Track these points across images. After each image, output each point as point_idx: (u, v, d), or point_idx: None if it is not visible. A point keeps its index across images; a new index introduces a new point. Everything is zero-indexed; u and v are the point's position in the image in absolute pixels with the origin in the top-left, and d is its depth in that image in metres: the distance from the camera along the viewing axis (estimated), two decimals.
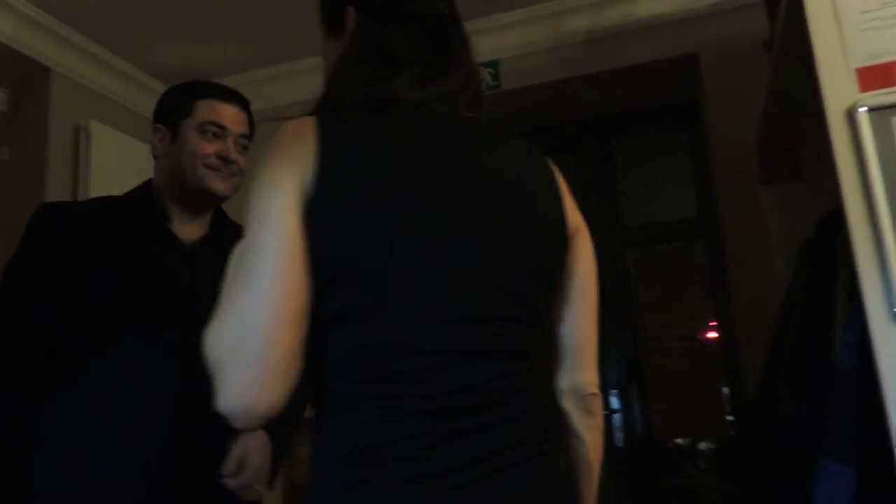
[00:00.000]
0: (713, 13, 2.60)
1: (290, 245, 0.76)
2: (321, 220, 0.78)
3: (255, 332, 0.73)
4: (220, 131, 1.43)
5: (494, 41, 2.80)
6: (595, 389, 1.01)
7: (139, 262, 1.34)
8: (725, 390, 2.85)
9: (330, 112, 0.86)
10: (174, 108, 1.44)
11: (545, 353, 0.98)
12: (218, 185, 1.42)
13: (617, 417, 2.86)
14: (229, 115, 1.45)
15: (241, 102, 1.49)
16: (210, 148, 1.41)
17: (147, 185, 1.47)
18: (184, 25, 2.66)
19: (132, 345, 1.28)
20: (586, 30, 2.73)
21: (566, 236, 0.96)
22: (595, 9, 2.71)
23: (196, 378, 1.22)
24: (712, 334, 3.00)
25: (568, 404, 0.98)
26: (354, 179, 0.80)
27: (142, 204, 1.43)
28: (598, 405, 1.00)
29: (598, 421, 0.99)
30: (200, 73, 2.48)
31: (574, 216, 0.99)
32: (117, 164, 2.63)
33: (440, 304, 0.80)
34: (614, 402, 2.88)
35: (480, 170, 0.89)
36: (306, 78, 2.89)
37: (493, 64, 2.83)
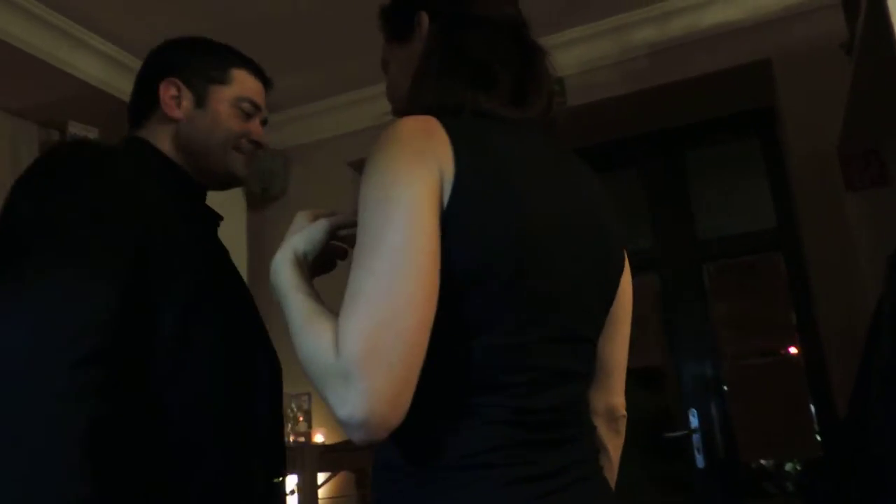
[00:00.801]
0: (785, 17, 2.53)
1: (434, 246, 0.73)
2: (458, 224, 0.76)
3: (401, 335, 0.68)
4: (253, 111, 1.26)
5: (559, 58, 2.75)
6: (624, 411, 1.03)
7: (203, 242, 1.19)
8: (812, 408, 2.73)
9: (443, 115, 0.82)
10: (204, 68, 1.23)
11: None
12: (243, 171, 1.26)
13: (697, 437, 2.77)
14: (262, 93, 1.30)
15: (269, 83, 1.33)
16: (243, 127, 1.24)
17: (154, 150, 1.20)
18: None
19: (231, 330, 1.13)
20: (651, 42, 2.70)
21: (624, 259, 0.99)
22: (660, 21, 2.68)
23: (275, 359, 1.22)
24: (795, 349, 2.88)
25: (600, 424, 0.99)
26: (489, 186, 0.79)
27: (177, 175, 1.21)
28: (624, 427, 1.03)
29: (622, 441, 1.03)
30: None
31: None
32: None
33: (547, 322, 0.82)
34: (693, 421, 2.79)
35: (576, 191, 0.91)
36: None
37: (558, 81, 2.80)
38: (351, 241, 0.89)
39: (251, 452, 1.12)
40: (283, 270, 0.84)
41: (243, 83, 1.25)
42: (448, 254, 0.74)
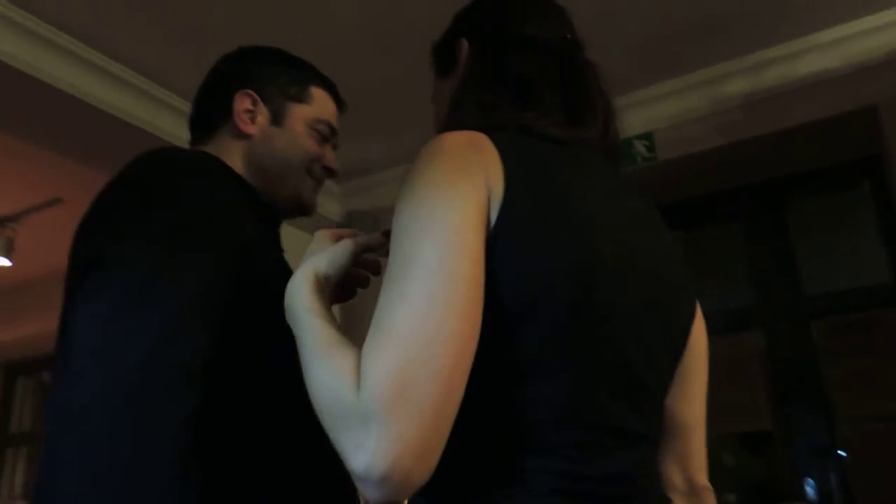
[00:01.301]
0: (891, 62, 2.42)
1: (478, 272, 0.63)
2: (507, 249, 0.66)
3: (436, 375, 0.57)
4: (329, 134, 1.15)
5: (648, 113, 2.77)
6: (708, 483, 0.89)
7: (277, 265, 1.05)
8: None
9: (491, 130, 0.74)
10: (283, 83, 1.12)
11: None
12: (313, 198, 1.15)
13: None
14: (337, 116, 1.18)
15: (344, 106, 1.21)
16: (318, 151, 1.13)
17: (228, 169, 1.06)
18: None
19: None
20: (745, 93, 2.64)
21: (695, 304, 0.89)
22: (752, 72, 2.62)
23: None
24: None
25: (678, 500, 0.86)
26: (545, 208, 0.69)
27: (255, 198, 1.07)
28: (713, 502, 0.89)
29: None
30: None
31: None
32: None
33: (606, 372, 0.70)
34: (810, 492, 2.59)
35: (640, 225, 0.81)
36: None
37: (647, 136, 2.78)
38: (376, 267, 0.83)
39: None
40: (301, 292, 0.72)
41: (322, 104, 1.14)
42: (494, 283, 0.64)
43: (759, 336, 2.91)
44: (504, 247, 0.66)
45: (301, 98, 1.12)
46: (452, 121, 0.83)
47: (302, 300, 0.71)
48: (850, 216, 2.94)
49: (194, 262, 0.86)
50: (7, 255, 3.62)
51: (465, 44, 0.89)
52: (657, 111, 2.75)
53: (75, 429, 0.80)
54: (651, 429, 0.76)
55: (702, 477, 0.89)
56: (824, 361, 2.78)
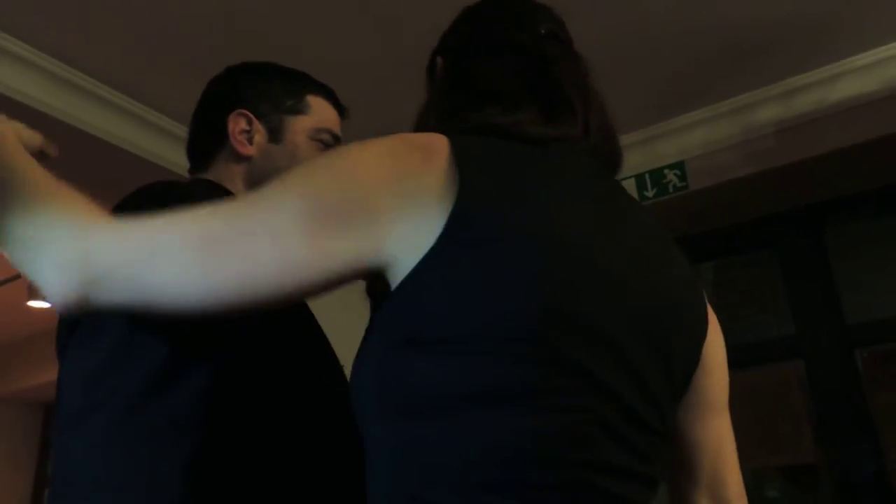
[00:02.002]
0: None
1: (337, 254, 0.60)
2: (452, 273, 0.60)
3: (138, 289, 0.59)
4: (333, 142, 1.09)
5: (679, 142, 2.76)
6: None
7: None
8: None
9: (454, 133, 0.69)
10: (276, 97, 1.06)
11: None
12: None
13: None
14: (339, 123, 1.12)
15: (345, 111, 1.15)
16: None
17: (229, 194, 0.98)
18: None
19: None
20: (777, 120, 2.61)
21: (706, 316, 0.81)
22: (785, 98, 2.59)
23: None
24: None
25: None
26: (503, 219, 0.63)
27: None
28: None
29: None
30: None
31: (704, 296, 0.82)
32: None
33: (583, 399, 0.62)
34: None
35: (626, 232, 0.73)
36: None
37: (678, 165, 2.77)
38: None
39: None
40: (6, 143, 0.70)
41: (321, 112, 1.08)
42: (440, 301, 0.59)
43: (800, 366, 2.84)
44: (448, 262, 0.60)
45: (298, 110, 1.06)
46: (417, 126, 0.79)
47: (8, 149, 0.70)
48: (890, 242, 2.88)
49: None
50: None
51: (439, 60, 0.87)
52: (688, 140, 2.73)
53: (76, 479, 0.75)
54: (652, 468, 0.68)
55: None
56: (869, 391, 2.70)
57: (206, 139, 1.07)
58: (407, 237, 0.61)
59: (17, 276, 3.78)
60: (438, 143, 0.66)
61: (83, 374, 0.74)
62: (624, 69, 2.42)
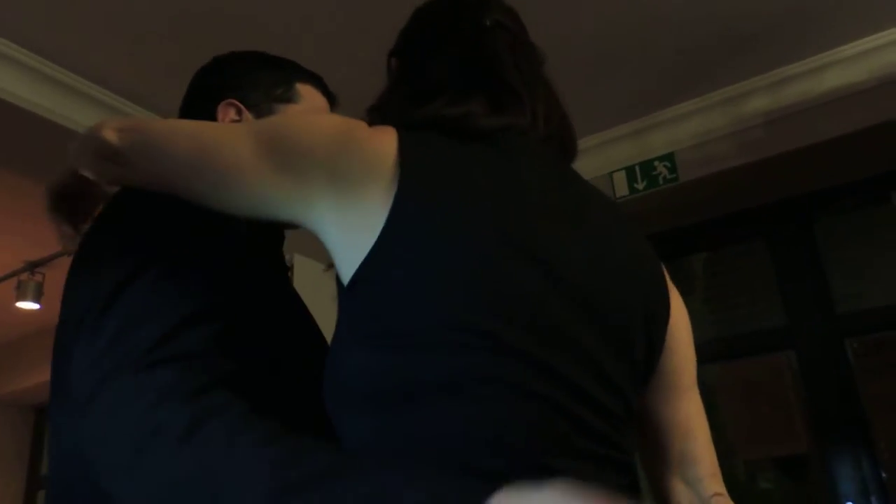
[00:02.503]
0: None
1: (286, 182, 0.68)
2: (399, 255, 0.63)
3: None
4: None
5: (669, 133, 2.76)
6: (723, 488, 0.80)
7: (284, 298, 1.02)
8: None
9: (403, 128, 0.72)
10: (265, 85, 1.05)
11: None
12: None
13: None
14: (329, 110, 1.11)
15: (334, 99, 1.13)
16: None
17: None
18: None
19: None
20: (767, 111, 2.62)
21: (669, 304, 0.81)
22: (775, 88, 2.60)
23: None
24: None
25: None
26: (445, 207, 0.66)
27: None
28: None
29: None
30: None
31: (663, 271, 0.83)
32: (316, 293, 2.82)
33: (534, 387, 0.63)
34: None
35: (581, 218, 0.74)
36: None
37: (668, 157, 2.77)
38: None
39: None
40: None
41: (311, 100, 1.07)
42: (387, 297, 0.63)
43: (791, 357, 2.85)
44: (394, 250, 0.63)
45: (288, 98, 1.04)
46: (368, 124, 0.78)
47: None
48: (880, 231, 2.89)
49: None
50: (37, 300, 3.67)
51: (392, 61, 0.89)
52: (678, 131, 2.73)
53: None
54: (613, 450, 0.68)
55: (713, 484, 0.80)
56: (861, 381, 2.71)
57: None
58: (341, 213, 0.65)
59: (4, 278, 3.75)
60: (387, 133, 0.69)
61: (89, 361, 0.74)
62: (613, 61, 2.41)
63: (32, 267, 3.66)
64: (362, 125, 0.71)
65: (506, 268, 0.65)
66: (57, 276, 3.73)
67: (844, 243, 2.93)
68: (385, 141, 0.68)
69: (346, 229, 0.65)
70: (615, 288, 0.72)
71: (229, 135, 0.75)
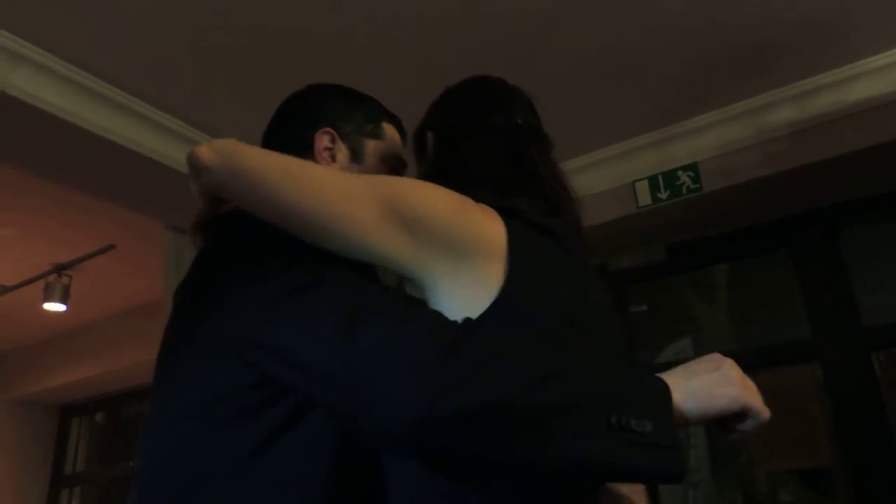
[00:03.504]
0: None
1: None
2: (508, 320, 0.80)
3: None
4: (400, 167, 1.15)
5: (693, 143, 2.74)
6: None
7: None
8: None
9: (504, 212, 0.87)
10: (358, 120, 1.14)
11: None
12: None
13: None
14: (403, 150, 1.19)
15: (407, 139, 1.21)
16: None
17: None
18: None
19: None
20: (793, 122, 2.59)
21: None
22: (800, 99, 2.57)
23: None
24: None
25: None
26: (539, 297, 0.83)
27: None
28: None
29: None
30: None
31: None
32: None
33: None
34: None
35: (596, 292, 0.96)
36: None
37: (692, 167, 2.75)
38: None
39: None
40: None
41: (392, 138, 1.16)
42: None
43: (816, 369, 2.82)
44: (504, 312, 0.78)
45: (376, 134, 1.13)
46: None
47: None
48: None
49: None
50: (63, 301, 3.73)
51: (429, 135, 1.02)
52: (702, 141, 2.71)
53: None
54: None
55: None
56: (887, 394, 2.67)
57: (288, 151, 1.09)
58: (455, 276, 0.79)
59: (32, 280, 3.81)
60: (495, 217, 0.84)
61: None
62: (637, 70, 2.41)
63: (60, 269, 3.72)
64: (469, 201, 0.84)
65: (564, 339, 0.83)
66: (83, 279, 3.80)
67: (871, 255, 2.89)
68: (496, 225, 0.83)
69: (459, 288, 0.79)
70: (615, 346, 0.94)
71: (350, 190, 0.81)
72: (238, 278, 0.85)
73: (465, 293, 0.78)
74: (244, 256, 0.87)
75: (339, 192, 0.80)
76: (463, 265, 0.79)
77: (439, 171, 0.94)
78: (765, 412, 0.77)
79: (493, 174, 0.93)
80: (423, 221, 0.79)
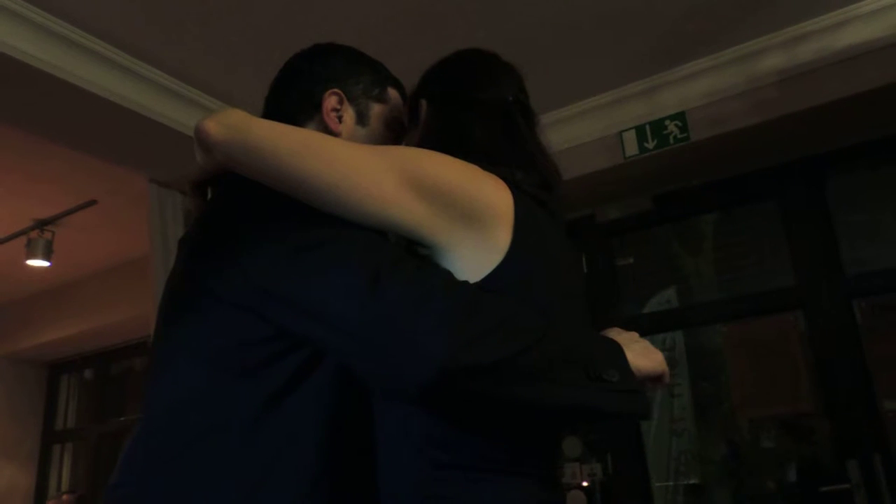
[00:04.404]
0: None
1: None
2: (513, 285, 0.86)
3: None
4: (401, 131, 1.16)
5: (680, 92, 2.72)
6: None
7: None
8: None
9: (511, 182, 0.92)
10: (365, 83, 1.13)
11: None
12: None
13: (859, 492, 2.51)
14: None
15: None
16: None
17: None
18: None
19: None
20: (781, 69, 2.57)
21: None
22: (789, 46, 2.55)
23: None
24: None
25: None
26: (539, 262, 0.90)
27: None
28: None
29: None
30: None
31: None
32: None
33: None
34: (854, 475, 2.53)
35: (579, 282, 1.03)
36: None
37: (679, 116, 2.73)
38: None
39: None
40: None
41: (396, 102, 1.16)
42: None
43: (799, 317, 2.86)
44: (507, 277, 0.85)
45: (382, 98, 1.14)
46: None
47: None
48: (891, 192, 2.86)
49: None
50: (47, 258, 3.70)
51: (423, 103, 1.04)
52: (690, 90, 2.69)
53: None
54: None
55: None
56: (867, 342, 2.72)
57: (296, 110, 1.11)
58: (465, 242, 0.84)
59: (14, 236, 3.77)
60: (503, 186, 0.89)
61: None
62: (623, 17, 2.37)
63: (42, 225, 3.68)
64: (479, 169, 0.89)
65: (552, 303, 0.89)
66: (66, 235, 3.76)
67: (855, 204, 2.91)
68: (505, 193, 0.88)
69: (469, 252, 0.84)
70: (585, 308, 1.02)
71: (369, 162, 0.84)
72: (254, 232, 0.86)
73: (474, 257, 0.84)
74: (260, 212, 0.88)
75: (356, 166, 0.83)
76: (476, 232, 0.84)
77: (433, 141, 0.96)
78: (668, 378, 0.95)
79: (487, 147, 0.96)
80: (442, 191, 0.84)
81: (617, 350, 0.87)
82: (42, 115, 2.45)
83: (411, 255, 0.85)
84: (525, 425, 0.86)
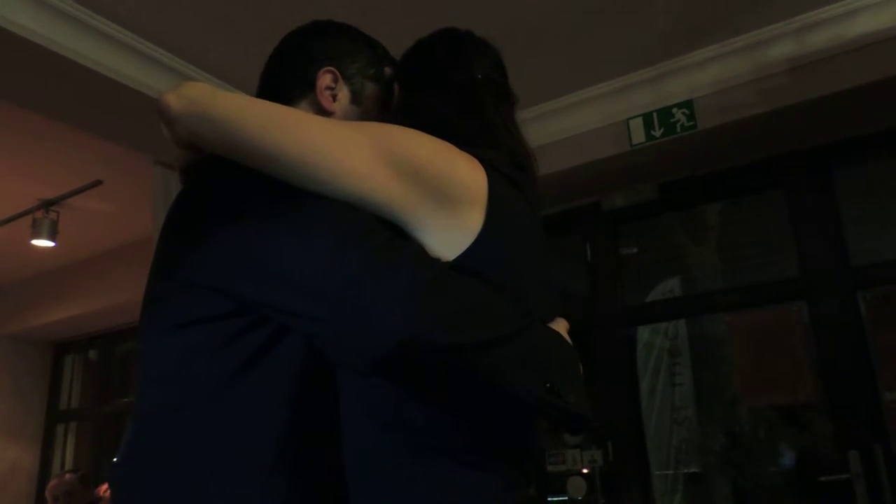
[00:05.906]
0: None
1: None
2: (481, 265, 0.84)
3: None
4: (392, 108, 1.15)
5: (688, 80, 2.70)
6: None
7: None
8: None
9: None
10: (363, 64, 1.11)
11: None
12: None
13: (860, 482, 2.52)
14: None
15: None
16: None
17: None
18: None
19: None
20: (789, 57, 2.55)
21: None
22: (799, 34, 2.52)
23: None
24: None
25: None
26: (507, 243, 0.88)
27: None
28: None
29: None
30: None
31: None
32: None
33: None
34: (855, 465, 2.54)
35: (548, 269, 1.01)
36: None
37: (687, 104, 2.72)
38: None
39: None
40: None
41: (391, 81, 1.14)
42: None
43: (803, 307, 2.85)
44: (480, 256, 0.83)
45: (377, 78, 1.11)
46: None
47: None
48: None
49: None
50: (52, 238, 3.71)
51: (396, 88, 1.07)
52: (699, 78, 2.67)
53: None
54: None
55: None
56: (871, 333, 2.71)
57: (289, 87, 1.10)
58: (439, 219, 0.82)
59: (19, 216, 3.78)
60: (478, 165, 0.88)
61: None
62: (632, 5, 2.35)
63: (47, 205, 3.68)
64: (455, 148, 0.87)
65: (522, 288, 0.88)
66: (72, 216, 3.76)
67: (862, 195, 2.89)
68: (479, 173, 0.87)
69: (441, 231, 0.82)
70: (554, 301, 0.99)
71: (340, 136, 0.82)
72: (221, 211, 0.86)
73: (446, 236, 0.82)
74: (227, 191, 0.88)
75: (327, 140, 0.81)
76: (449, 210, 0.83)
77: (404, 122, 0.93)
78: None
79: (451, 128, 0.94)
80: (415, 168, 0.82)
81: (576, 371, 0.87)
82: (48, 95, 2.45)
83: (386, 225, 0.82)
84: (493, 412, 0.85)
